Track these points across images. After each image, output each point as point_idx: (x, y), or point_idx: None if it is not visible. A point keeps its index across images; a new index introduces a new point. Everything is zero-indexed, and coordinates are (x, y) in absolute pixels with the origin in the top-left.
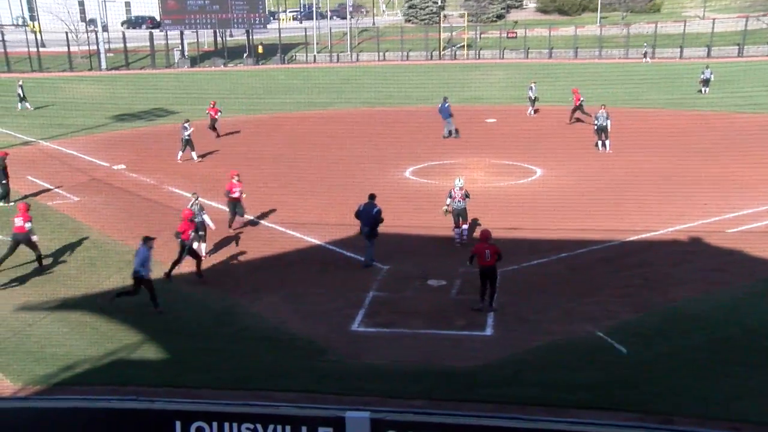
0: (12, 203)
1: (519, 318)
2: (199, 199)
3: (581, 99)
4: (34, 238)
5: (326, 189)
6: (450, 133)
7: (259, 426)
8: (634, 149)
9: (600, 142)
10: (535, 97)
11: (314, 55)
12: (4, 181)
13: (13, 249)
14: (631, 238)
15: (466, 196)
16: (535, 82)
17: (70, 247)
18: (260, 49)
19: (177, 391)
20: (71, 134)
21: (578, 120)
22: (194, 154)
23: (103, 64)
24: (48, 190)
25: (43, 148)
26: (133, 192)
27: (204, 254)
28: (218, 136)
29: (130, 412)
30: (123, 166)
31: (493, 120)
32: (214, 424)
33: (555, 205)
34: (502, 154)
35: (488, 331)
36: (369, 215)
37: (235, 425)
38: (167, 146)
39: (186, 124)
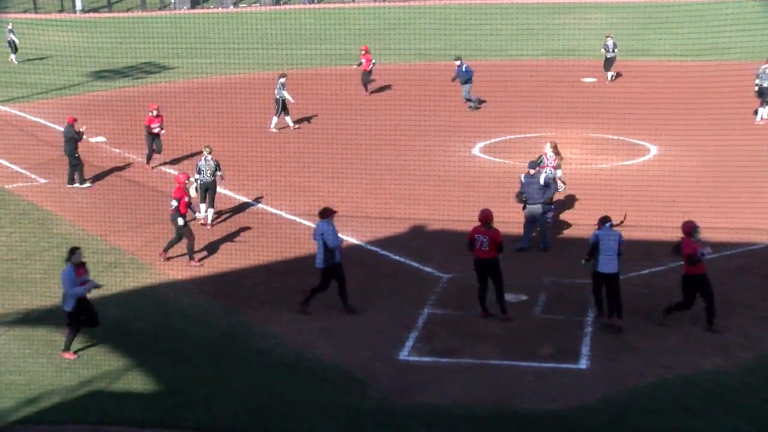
0: (89, 184)
1: (624, 345)
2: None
3: (372, 61)
4: (180, 221)
5: (367, 171)
6: (470, 102)
7: None
8: None
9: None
10: (611, 58)
11: None
12: (76, 155)
13: (179, 236)
14: None
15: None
16: (609, 36)
17: (35, 244)
18: None
19: None
20: (36, 96)
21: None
22: (289, 119)
23: (78, 5)
24: (7, 169)
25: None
26: (114, 173)
27: (209, 222)
28: (149, 159)
29: None
30: (102, 139)
31: (592, 79)
32: None
33: (674, 194)
34: (605, 126)
35: (583, 363)
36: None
37: None
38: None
39: (282, 79)
